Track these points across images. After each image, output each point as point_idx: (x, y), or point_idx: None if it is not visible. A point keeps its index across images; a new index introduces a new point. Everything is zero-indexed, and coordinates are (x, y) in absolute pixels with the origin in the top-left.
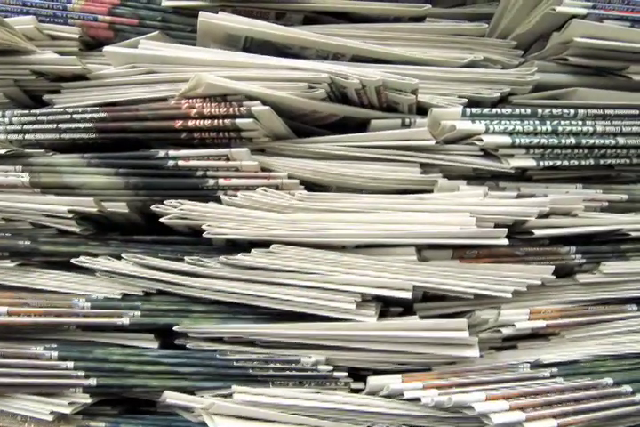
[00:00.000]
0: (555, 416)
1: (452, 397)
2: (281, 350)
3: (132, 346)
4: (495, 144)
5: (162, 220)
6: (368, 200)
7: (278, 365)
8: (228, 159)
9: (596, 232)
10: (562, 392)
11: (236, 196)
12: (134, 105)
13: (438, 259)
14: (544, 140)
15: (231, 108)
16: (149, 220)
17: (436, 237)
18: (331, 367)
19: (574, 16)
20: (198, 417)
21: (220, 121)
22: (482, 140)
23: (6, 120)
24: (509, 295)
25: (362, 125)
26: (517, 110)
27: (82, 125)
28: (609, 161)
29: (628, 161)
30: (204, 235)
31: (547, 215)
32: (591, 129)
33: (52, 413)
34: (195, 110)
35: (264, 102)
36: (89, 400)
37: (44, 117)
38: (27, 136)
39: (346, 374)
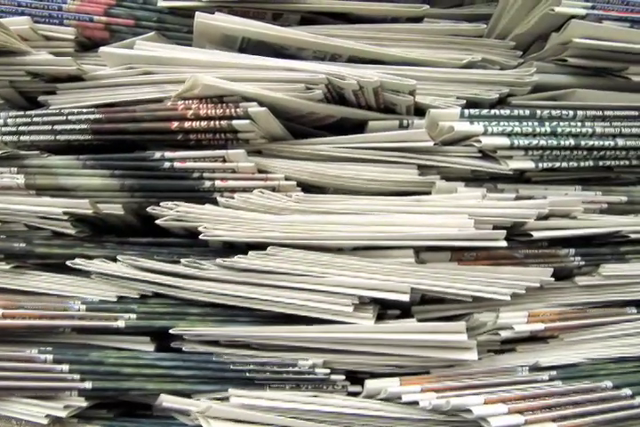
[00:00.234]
0: (554, 420)
1: (450, 400)
2: (278, 353)
3: (127, 349)
4: (493, 146)
5: (158, 222)
6: (365, 202)
7: (275, 368)
8: (224, 161)
9: (596, 234)
10: (561, 395)
11: (233, 197)
12: (130, 106)
13: (436, 261)
14: (543, 142)
15: (228, 110)
16: (145, 222)
17: (434, 239)
18: (328, 371)
19: (573, 16)
20: (194, 421)
21: (217, 122)
22: (480, 141)
23: (1, 121)
24: (508, 298)
25: (359, 127)
26: (516, 111)
27: (77, 127)
28: (608, 163)
29: (627, 163)
30: (201, 237)
31: (545, 217)
32: (590, 130)
33: (47, 416)
34: (191, 111)
35: (261, 103)
36: (84, 404)
37: (39, 119)
38: (22, 137)
39: (343, 377)
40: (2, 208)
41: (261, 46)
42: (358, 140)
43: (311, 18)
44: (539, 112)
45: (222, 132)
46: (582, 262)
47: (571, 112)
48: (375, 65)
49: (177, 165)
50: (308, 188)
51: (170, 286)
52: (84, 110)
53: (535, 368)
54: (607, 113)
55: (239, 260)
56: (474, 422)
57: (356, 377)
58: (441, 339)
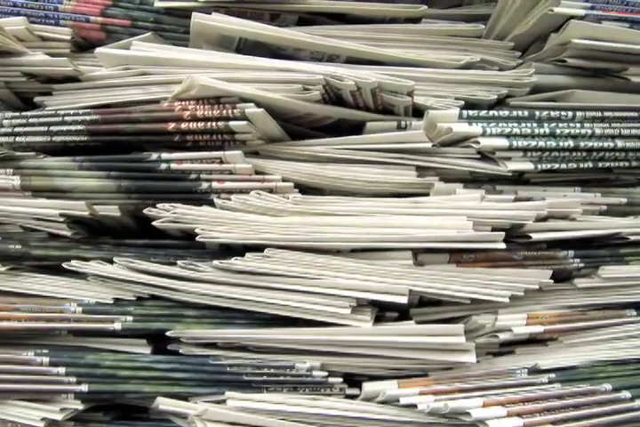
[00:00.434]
0: (553, 422)
1: (448, 403)
2: (275, 355)
3: (124, 351)
4: (492, 147)
5: (154, 223)
6: (363, 204)
7: (272, 370)
8: (221, 162)
9: (595, 236)
10: (560, 398)
11: (230, 199)
12: (127, 107)
13: (435, 263)
14: (542, 143)
15: (225, 111)
16: (142, 223)
17: (433, 241)
18: (325, 373)
19: (572, 17)
20: (191, 424)
21: (214, 123)
22: (479, 142)
23: None
24: (507, 300)
25: (357, 128)
26: (515, 112)
27: (73, 128)
28: (607, 164)
29: (626, 164)
30: (197, 239)
31: (544, 219)
32: (589, 131)
33: (43, 419)
34: (188, 112)
35: (258, 104)
36: (80, 406)
37: (35, 120)
38: (17, 139)
39: (341, 379)
40: None
41: (259, 47)
42: (356, 142)
43: (309, 18)
44: (537, 113)
45: (219, 133)
46: (581, 264)
47: (570, 113)
48: (373, 66)
49: (174, 166)
50: (305, 189)
51: (166, 288)
52: (80, 111)
53: (534, 371)
54: (606, 114)
55: (236, 262)
56: (472, 425)
57: (353, 380)
58: (439, 341)
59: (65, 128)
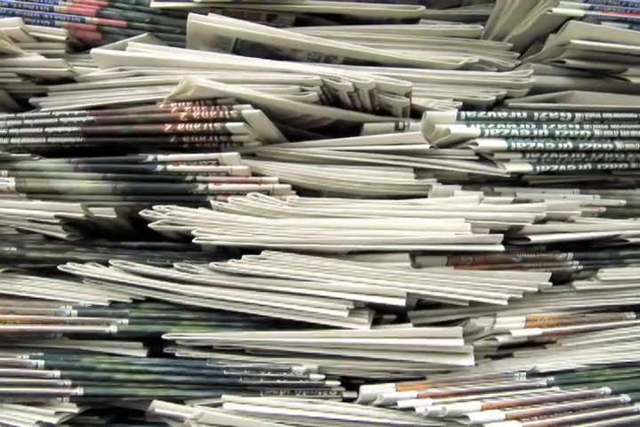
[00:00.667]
0: (552, 426)
1: (446, 406)
2: (272, 358)
3: (119, 355)
4: (491, 148)
5: (150, 225)
6: (361, 206)
7: (269, 373)
8: (217, 164)
9: (594, 238)
10: (559, 402)
11: (227, 201)
12: (122, 108)
13: (433, 265)
14: (540, 145)
15: (221, 112)
16: (138, 225)
17: (431, 243)
18: (323, 376)
19: (571, 18)
20: None
21: (210, 125)
22: (477, 144)
23: None
24: (505, 303)
25: (354, 129)
26: (513, 114)
27: (69, 129)
28: (607, 166)
29: (626, 166)
30: (194, 241)
31: (543, 221)
32: (589, 133)
33: (38, 423)
34: (184, 114)
35: (255, 106)
36: (76, 410)
37: (30, 121)
38: (12, 140)
39: (338, 383)
40: None
41: (255, 48)
42: (354, 143)
43: (306, 19)
44: (536, 114)
45: (216, 134)
46: (580, 267)
47: (569, 114)
48: (371, 67)
49: (170, 167)
50: (302, 191)
51: (162, 290)
52: (76, 113)
53: (533, 374)
54: (606, 115)
55: (232, 264)
56: None
57: (351, 383)
58: (437, 344)
59: (60, 129)
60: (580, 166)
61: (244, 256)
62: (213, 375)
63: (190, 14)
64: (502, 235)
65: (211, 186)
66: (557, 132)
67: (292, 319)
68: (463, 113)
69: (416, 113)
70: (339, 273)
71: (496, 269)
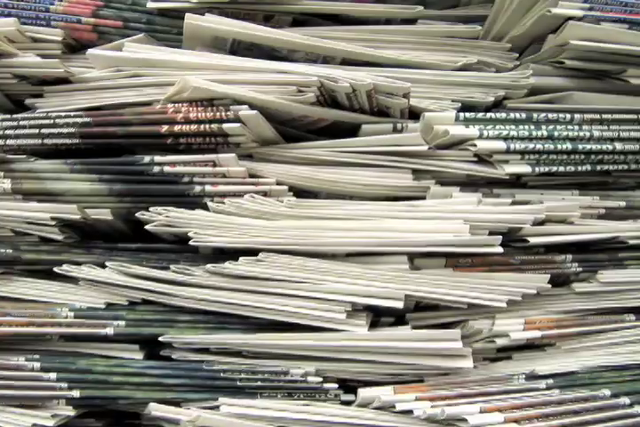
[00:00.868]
0: None
1: (445, 409)
2: (269, 360)
3: (116, 357)
4: (489, 150)
5: (147, 227)
6: (359, 207)
7: (266, 376)
8: (214, 165)
9: (593, 240)
10: (558, 404)
11: (224, 203)
12: (119, 109)
13: (431, 267)
14: (539, 146)
15: (218, 113)
16: (134, 227)
17: (429, 245)
18: (320, 379)
19: (570, 18)
20: None
21: (207, 126)
22: (475, 145)
23: None
24: (504, 305)
25: (352, 130)
26: (512, 115)
27: (65, 130)
28: (606, 167)
29: (625, 167)
30: (191, 243)
31: (542, 223)
32: (588, 134)
33: (34, 425)
34: (181, 115)
35: (252, 107)
36: (72, 413)
37: (25, 122)
38: (8, 141)
39: (336, 385)
40: None
41: (252, 48)
42: (351, 144)
43: (303, 19)
44: (535, 115)
45: (213, 135)
46: (580, 269)
47: (568, 115)
48: (369, 67)
49: (166, 169)
50: (299, 192)
51: (159, 292)
52: (72, 114)
53: (532, 377)
54: (605, 116)
55: (229, 266)
56: None
57: (349, 386)
58: (436, 347)
59: (56, 131)
60: (580, 168)
61: (241, 258)
62: (210, 378)
63: (187, 14)
64: (501, 236)
65: (207, 187)
66: (556, 134)
67: (289, 322)
68: (462, 114)
69: (414, 114)
70: (336, 275)
71: (495, 271)
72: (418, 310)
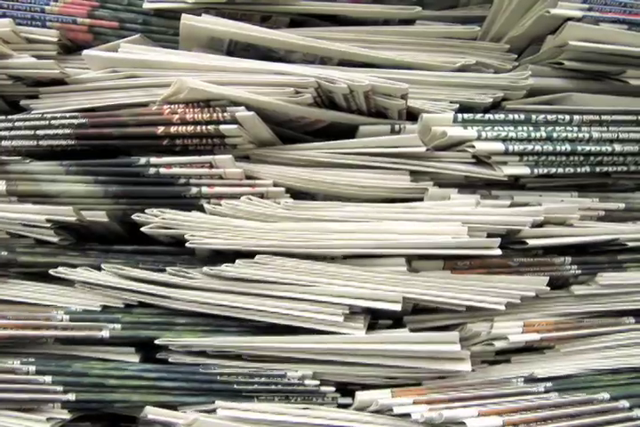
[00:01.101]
0: None
1: (442, 412)
2: (266, 364)
3: (112, 360)
4: (488, 151)
5: (143, 229)
6: (356, 209)
7: (264, 379)
8: (211, 166)
9: (592, 242)
10: (557, 408)
11: (220, 204)
12: (114, 111)
13: (429, 270)
14: (538, 147)
15: (215, 114)
16: (130, 229)
17: (427, 247)
18: (318, 382)
19: (569, 18)
20: None
21: (203, 127)
22: (474, 146)
23: None
24: (502, 307)
25: (350, 132)
26: (511, 116)
27: (60, 132)
28: (605, 169)
29: (625, 169)
30: (187, 245)
31: (541, 225)
32: (587, 135)
33: None
34: (177, 116)
35: (249, 108)
36: (68, 416)
37: (21, 123)
38: (3, 143)
39: (333, 388)
40: None
41: (249, 49)
42: (349, 146)
43: (301, 20)
44: (534, 117)
45: (209, 137)
46: (579, 271)
47: (567, 117)
48: (366, 68)
49: (162, 170)
50: (297, 194)
51: (155, 295)
52: (68, 115)
53: (530, 380)
54: (604, 117)
55: (226, 268)
56: None
57: (346, 389)
58: (434, 349)
59: (52, 132)
60: (579, 169)
61: (237, 260)
62: (207, 381)
63: (183, 15)
64: (499, 239)
65: (204, 189)
66: (555, 135)
67: (286, 324)
68: (460, 115)
69: (412, 115)
70: (334, 277)
71: (493, 273)
72: (416, 313)
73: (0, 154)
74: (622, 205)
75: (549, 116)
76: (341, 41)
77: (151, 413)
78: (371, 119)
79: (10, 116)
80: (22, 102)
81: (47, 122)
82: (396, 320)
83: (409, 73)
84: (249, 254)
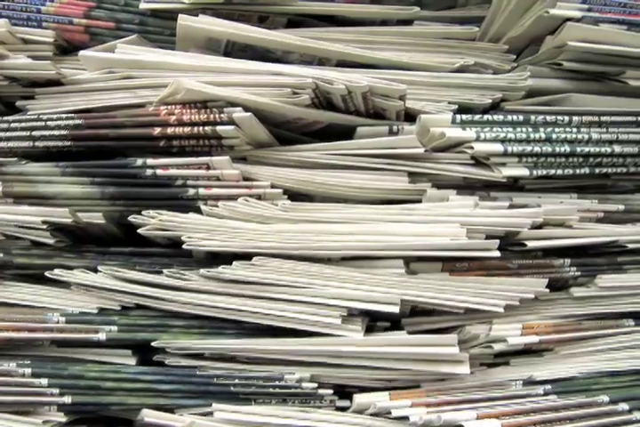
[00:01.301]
0: None
1: (441, 415)
2: (264, 366)
3: (108, 362)
4: (486, 152)
5: (140, 231)
6: (354, 211)
7: (261, 382)
8: (208, 168)
9: (592, 244)
10: (556, 411)
11: (217, 206)
12: (111, 112)
13: (427, 272)
14: (537, 149)
15: (212, 115)
16: (127, 231)
17: (425, 249)
18: (315, 385)
19: (568, 19)
20: None
21: (200, 128)
22: (472, 148)
23: None
24: (501, 309)
25: (348, 133)
26: (509, 117)
27: (56, 133)
28: (605, 170)
29: (624, 170)
30: (184, 246)
31: (540, 226)
32: (586, 136)
33: None
34: (174, 117)
35: (246, 109)
36: (64, 419)
37: (17, 124)
38: None
39: (331, 391)
40: None
41: (247, 50)
42: (347, 147)
43: (298, 20)
44: (533, 118)
45: (206, 138)
46: (578, 273)
47: (566, 118)
48: (364, 69)
49: (159, 172)
50: (294, 196)
51: (152, 297)
52: (64, 116)
53: (529, 382)
54: (604, 119)
55: (223, 270)
56: None
57: (344, 391)
58: (432, 352)
59: (48, 133)
60: (578, 171)
61: (235, 262)
62: (204, 384)
63: (180, 15)
64: (498, 240)
65: (201, 190)
66: (554, 136)
67: (284, 327)
68: (458, 116)
69: (410, 116)
70: (332, 279)
71: (492, 275)
72: (414, 315)
73: None
74: (622, 207)
75: (548, 117)
76: (339, 41)
77: (148, 416)
78: (369, 120)
79: (6, 117)
80: (18, 103)
81: (43, 123)
82: (393, 323)
83: (407, 74)
84: (246, 256)
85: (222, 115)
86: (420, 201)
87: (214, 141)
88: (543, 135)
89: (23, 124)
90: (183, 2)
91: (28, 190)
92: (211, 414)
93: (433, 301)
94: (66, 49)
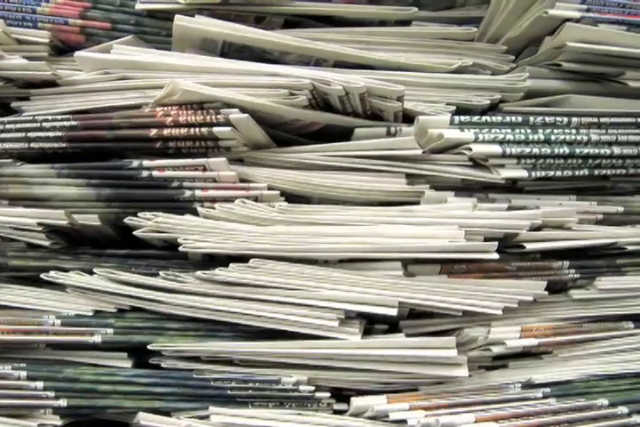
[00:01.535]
0: None
1: (439, 418)
2: (261, 369)
3: (104, 365)
4: (485, 154)
5: (136, 233)
6: (351, 213)
7: (258, 385)
8: (204, 169)
9: (591, 246)
10: (555, 414)
11: (214, 208)
12: (107, 113)
13: (425, 274)
14: (536, 150)
15: (208, 116)
16: (123, 233)
17: (423, 251)
18: (312, 388)
19: (568, 19)
20: None
21: (197, 129)
22: (471, 149)
23: None
24: (500, 312)
25: (345, 134)
26: (508, 118)
27: (52, 134)
28: (604, 171)
29: (623, 171)
30: (180, 249)
31: (539, 228)
32: (585, 138)
33: None
34: (170, 118)
35: (243, 110)
36: (59, 422)
37: (11, 126)
38: None
39: (328, 394)
40: None
41: (243, 50)
42: (344, 148)
43: (295, 21)
44: (532, 119)
45: (203, 139)
46: (577, 275)
47: (565, 119)
48: (362, 70)
49: (155, 173)
50: (291, 197)
51: (148, 299)
52: (59, 117)
53: (528, 385)
54: (603, 120)
55: (220, 272)
56: None
57: (341, 395)
58: (430, 355)
59: (43, 134)
60: (577, 172)
61: (231, 264)
62: (200, 387)
63: (176, 16)
64: (497, 242)
65: (197, 192)
66: (553, 138)
67: (281, 329)
68: (457, 117)
69: (408, 117)
70: (329, 282)
71: (490, 277)
72: (412, 318)
73: None
74: (621, 209)
75: (547, 119)
76: (336, 42)
77: (144, 419)
78: (366, 121)
79: (1, 119)
80: (13, 104)
81: (38, 124)
82: (391, 325)
83: (405, 75)
84: (243, 258)
85: (219, 116)
86: (418, 203)
87: (211, 143)
88: (542, 136)
89: (18, 126)
90: (179, 2)
91: (24, 192)
92: (207, 417)
93: (431, 303)
94: (61, 50)
